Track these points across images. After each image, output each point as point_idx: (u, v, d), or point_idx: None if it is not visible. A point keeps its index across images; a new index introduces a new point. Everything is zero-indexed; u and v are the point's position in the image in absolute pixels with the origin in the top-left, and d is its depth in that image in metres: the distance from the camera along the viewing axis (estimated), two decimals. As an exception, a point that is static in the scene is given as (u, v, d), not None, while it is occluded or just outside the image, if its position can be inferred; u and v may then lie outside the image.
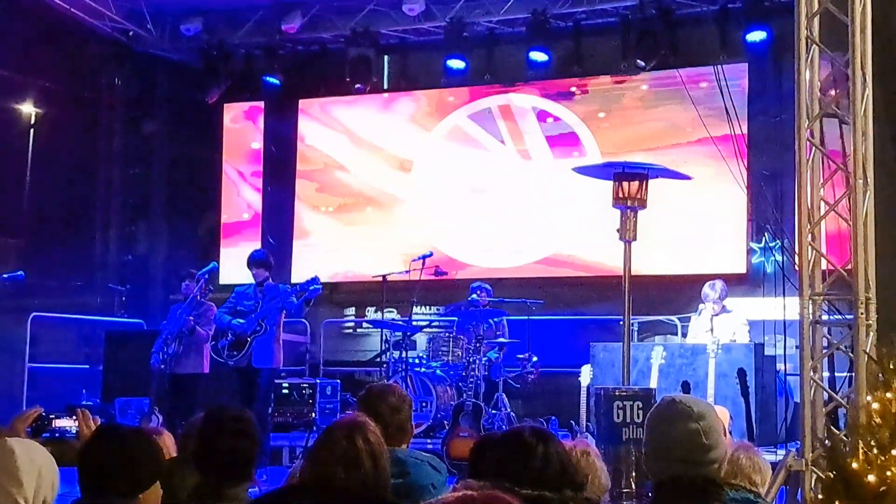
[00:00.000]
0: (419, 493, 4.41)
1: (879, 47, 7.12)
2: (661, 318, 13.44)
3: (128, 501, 3.66)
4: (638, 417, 7.72)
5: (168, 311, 11.98)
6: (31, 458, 3.77)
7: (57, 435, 4.42)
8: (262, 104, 16.93)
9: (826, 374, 6.98)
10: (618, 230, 8.60)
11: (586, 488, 3.96)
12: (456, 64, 15.50)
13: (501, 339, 12.72)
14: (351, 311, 16.38)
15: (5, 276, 11.65)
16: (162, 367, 11.45)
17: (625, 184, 8.52)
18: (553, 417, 12.25)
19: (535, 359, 12.43)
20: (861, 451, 4.48)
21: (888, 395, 4.56)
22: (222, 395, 11.77)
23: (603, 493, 4.25)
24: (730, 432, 9.13)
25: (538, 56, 15.03)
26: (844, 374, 7.11)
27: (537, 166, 15.52)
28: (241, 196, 17.09)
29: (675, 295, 13.42)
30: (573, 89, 15.53)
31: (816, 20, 6.93)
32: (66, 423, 4.49)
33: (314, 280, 11.19)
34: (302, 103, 16.83)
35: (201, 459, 4.27)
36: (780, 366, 10.93)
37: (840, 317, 6.92)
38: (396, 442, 4.68)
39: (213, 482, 4.17)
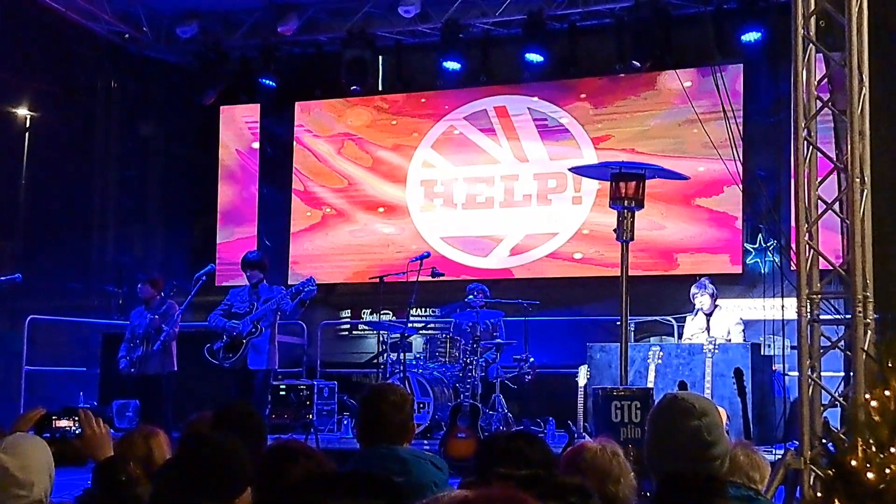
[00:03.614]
0: (421, 492, 4.40)
1: (875, 46, 7.15)
2: (657, 318, 13.45)
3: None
4: (636, 417, 7.74)
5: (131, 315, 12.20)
6: (21, 465, 3.79)
7: (58, 435, 4.43)
8: (258, 106, 16.92)
9: (833, 373, 7.02)
10: (615, 230, 8.62)
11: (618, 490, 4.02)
12: (452, 65, 15.51)
13: (498, 340, 12.73)
14: (347, 313, 16.38)
15: (2, 278, 11.66)
16: (131, 370, 11.54)
17: (622, 184, 8.54)
18: (550, 418, 12.27)
19: (531, 359, 12.42)
20: (860, 448, 4.48)
21: (886, 392, 4.56)
22: (217, 396, 11.76)
23: (633, 494, 4.26)
24: (727, 432, 9.14)
25: (534, 57, 15.04)
26: (842, 373, 7.14)
27: (533, 167, 15.51)
28: (238, 198, 17.08)
29: (672, 295, 13.43)
30: (569, 90, 15.53)
31: (813, 20, 6.96)
32: (67, 424, 4.51)
33: (309, 281, 11.23)
34: (298, 105, 16.83)
35: None
36: (776, 366, 10.96)
37: (838, 315, 6.94)
38: (398, 440, 4.70)
39: None
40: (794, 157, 6.81)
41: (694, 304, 11.54)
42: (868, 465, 4.38)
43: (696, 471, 3.51)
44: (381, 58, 16.41)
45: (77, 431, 4.43)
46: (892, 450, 4.45)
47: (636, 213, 8.64)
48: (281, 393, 12.54)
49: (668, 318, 13.30)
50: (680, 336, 12.35)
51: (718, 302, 11.63)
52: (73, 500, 4.39)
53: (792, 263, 7.04)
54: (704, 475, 3.51)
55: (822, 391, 6.79)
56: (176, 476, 3.64)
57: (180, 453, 3.78)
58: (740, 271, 14.15)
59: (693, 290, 11.51)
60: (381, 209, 16.22)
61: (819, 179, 6.97)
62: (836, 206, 6.91)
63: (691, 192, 14.23)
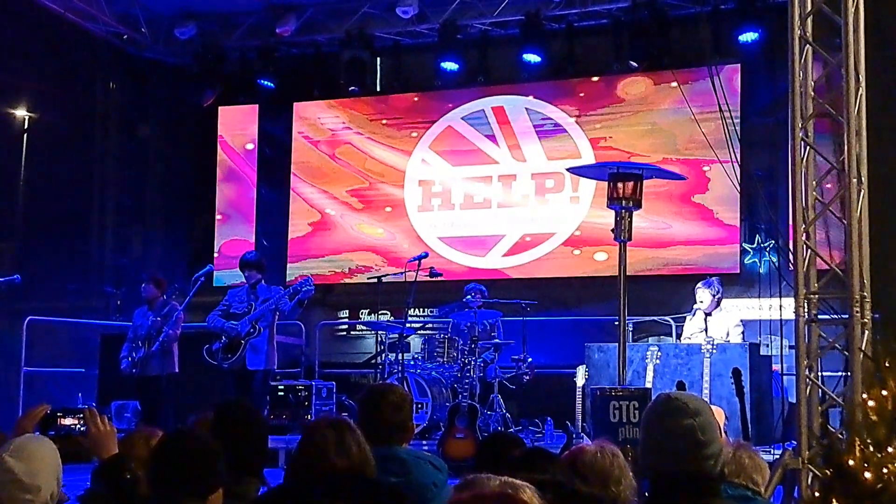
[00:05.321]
0: (420, 492, 4.42)
1: (872, 47, 7.17)
2: (655, 318, 13.46)
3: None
4: (634, 417, 7.74)
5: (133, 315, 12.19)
6: (28, 469, 3.80)
7: (63, 433, 4.44)
8: (256, 107, 16.93)
9: (831, 373, 7.03)
10: (613, 230, 8.62)
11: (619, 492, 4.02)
12: (449, 66, 15.53)
13: (496, 340, 12.72)
14: (345, 313, 16.39)
15: (1, 279, 11.66)
16: (133, 370, 11.54)
17: (619, 184, 8.53)
18: (548, 418, 12.26)
19: (530, 359, 12.41)
20: (857, 448, 4.50)
21: (884, 392, 4.59)
22: (216, 397, 11.77)
23: (634, 494, 4.27)
24: (725, 432, 9.16)
25: (531, 57, 15.07)
26: (839, 373, 7.15)
27: (531, 167, 15.53)
28: (236, 198, 17.09)
29: (670, 295, 13.45)
30: (566, 90, 15.54)
31: (810, 20, 6.98)
32: (72, 422, 4.51)
33: (306, 281, 11.23)
34: (296, 106, 16.84)
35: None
36: (775, 366, 10.97)
37: (835, 315, 6.96)
38: (398, 441, 4.70)
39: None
40: (791, 158, 6.83)
41: (694, 301, 11.52)
42: (866, 465, 4.40)
43: (689, 470, 3.51)
44: (378, 58, 16.44)
45: (82, 429, 4.44)
46: (890, 449, 4.48)
47: (634, 212, 8.65)
48: (279, 393, 12.56)
49: (667, 318, 13.30)
50: (678, 336, 12.34)
51: (722, 304, 11.58)
52: (75, 499, 4.40)
53: (790, 263, 7.06)
54: (698, 475, 3.51)
55: (820, 391, 6.81)
56: (154, 470, 3.72)
57: (158, 450, 3.84)
58: (738, 271, 14.15)
59: (698, 285, 11.47)
60: (378, 209, 16.23)
61: (816, 180, 6.99)
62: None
63: (689, 191, 14.26)
